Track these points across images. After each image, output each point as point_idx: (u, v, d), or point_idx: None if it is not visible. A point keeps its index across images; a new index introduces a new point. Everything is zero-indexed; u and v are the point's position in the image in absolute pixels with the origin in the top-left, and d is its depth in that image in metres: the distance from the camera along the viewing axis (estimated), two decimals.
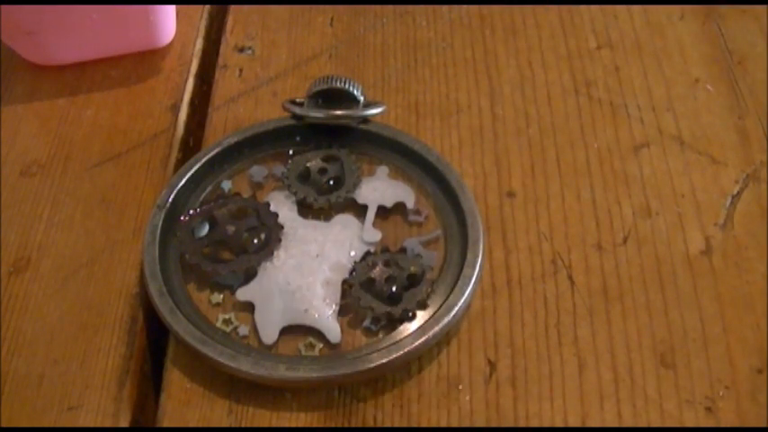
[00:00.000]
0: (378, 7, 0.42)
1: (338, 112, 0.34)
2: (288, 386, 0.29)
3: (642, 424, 0.28)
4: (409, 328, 0.30)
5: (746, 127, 0.36)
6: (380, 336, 0.30)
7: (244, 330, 0.30)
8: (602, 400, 0.29)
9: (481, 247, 0.31)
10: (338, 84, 0.34)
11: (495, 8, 0.41)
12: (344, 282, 0.31)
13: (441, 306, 0.30)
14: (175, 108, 0.38)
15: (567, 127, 0.37)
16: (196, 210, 0.33)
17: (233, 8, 0.42)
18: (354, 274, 0.31)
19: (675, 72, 0.39)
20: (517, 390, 0.29)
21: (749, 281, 0.32)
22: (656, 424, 0.28)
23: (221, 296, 0.31)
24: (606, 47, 0.40)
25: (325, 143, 0.35)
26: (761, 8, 0.41)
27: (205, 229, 0.33)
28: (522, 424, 0.28)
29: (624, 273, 0.32)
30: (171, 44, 0.40)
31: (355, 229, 0.33)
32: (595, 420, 0.28)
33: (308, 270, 0.31)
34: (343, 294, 0.31)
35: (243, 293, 0.31)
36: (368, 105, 0.35)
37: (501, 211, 0.34)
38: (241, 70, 0.39)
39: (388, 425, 0.29)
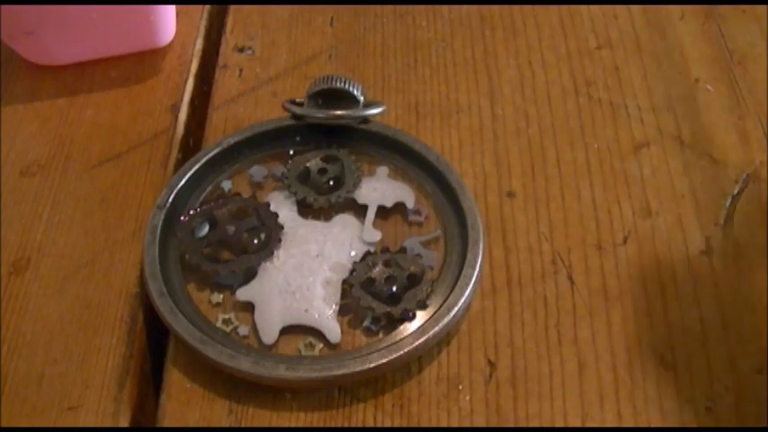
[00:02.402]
0: (378, 7, 0.42)
1: (338, 112, 0.34)
2: (288, 386, 0.29)
3: (642, 424, 0.28)
4: (409, 328, 0.30)
5: (746, 127, 0.36)
6: (380, 336, 0.30)
7: (244, 330, 0.30)
8: (602, 400, 0.29)
9: (481, 247, 0.31)
10: (338, 84, 0.34)
11: (495, 8, 0.41)
12: (344, 282, 0.31)
13: (441, 306, 0.30)
14: (175, 108, 0.38)
15: (567, 127, 0.37)
16: (196, 210, 0.33)
17: (233, 8, 0.42)
18: (354, 274, 0.31)
19: (675, 72, 0.39)
20: (517, 390, 0.29)
21: (749, 281, 0.32)
22: (656, 424, 0.28)
23: (221, 296, 0.31)
24: (606, 47, 0.40)
25: (325, 143, 0.35)
26: (761, 8, 0.41)
27: (205, 229, 0.33)
28: (522, 424, 0.28)
29: (624, 273, 0.32)
30: (171, 44, 0.40)
31: (355, 229, 0.33)
32: (595, 420, 0.28)
33: (308, 270, 0.31)
34: (343, 294, 0.31)
35: (243, 293, 0.31)
36: (368, 105, 0.35)
37: (501, 211, 0.34)
38: (241, 70, 0.39)
39: (388, 425, 0.29)
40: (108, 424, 0.28)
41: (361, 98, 0.34)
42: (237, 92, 0.39)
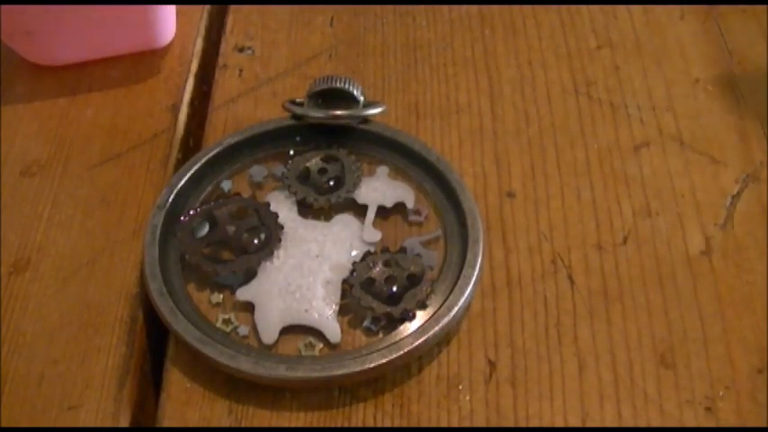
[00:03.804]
0: (378, 7, 0.42)
1: (338, 112, 0.34)
2: (288, 386, 0.29)
3: (642, 424, 0.28)
4: (409, 328, 0.30)
5: (746, 127, 0.36)
6: (380, 336, 0.30)
7: (244, 330, 0.30)
8: (602, 400, 0.29)
9: (481, 247, 0.31)
10: (338, 84, 0.34)
11: (495, 8, 0.41)
12: (344, 282, 0.31)
13: (441, 306, 0.30)
14: (175, 108, 0.38)
15: (566, 127, 0.37)
16: (196, 210, 0.33)
17: (233, 8, 0.42)
18: (354, 274, 0.31)
19: (675, 72, 0.39)
20: (517, 390, 0.29)
21: (749, 281, 0.32)
22: (656, 424, 0.28)
23: (221, 296, 0.31)
24: (606, 47, 0.40)
25: (325, 143, 0.35)
26: (761, 8, 0.41)
27: (205, 229, 0.33)
28: (522, 424, 0.28)
29: (624, 273, 0.32)
30: (171, 44, 0.40)
31: (355, 229, 0.33)
32: (595, 420, 0.28)
33: (307, 270, 0.31)
34: (343, 294, 0.31)
35: (243, 293, 0.31)
36: (368, 105, 0.35)
37: (501, 211, 0.34)
38: (241, 70, 0.39)
39: (388, 425, 0.29)
40: (108, 424, 0.28)
41: (361, 98, 0.34)
42: (237, 92, 0.39)
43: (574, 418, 0.29)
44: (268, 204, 0.33)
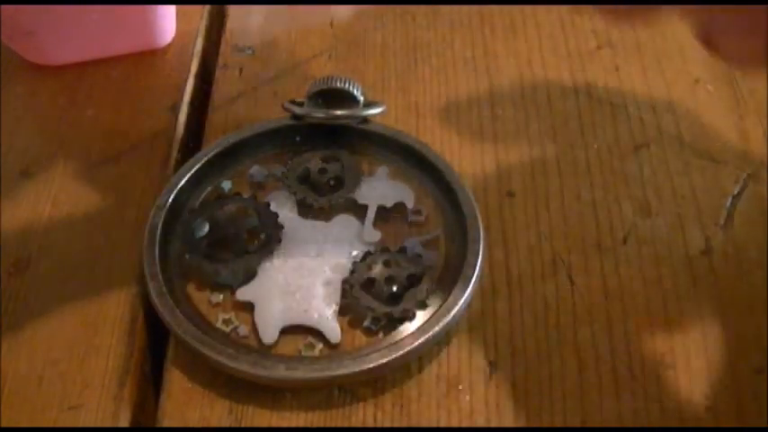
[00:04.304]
0: (378, 7, 0.42)
1: (338, 112, 0.34)
2: (288, 386, 0.29)
3: (642, 424, 0.28)
4: (409, 328, 0.30)
5: (746, 127, 0.36)
6: (380, 336, 0.30)
7: (244, 330, 0.30)
8: (602, 399, 0.29)
9: (481, 247, 0.31)
10: (338, 84, 0.34)
11: (495, 8, 0.41)
12: (344, 282, 0.31)
13: (441, 306, 0.30)
14: (175, 108, 0.38)
15: (566, 127, 0.37)
16: (196, 210, 0.33)
17: (233, 8, 0.42)
18: (354, 274, 0.31)
19: (675, 72, 0.39)
20: (517, 390, 0.29)
21: (749, 281, 0.32)
22: (656, 424, 0.28)
23: (221, 296, 0.31)
24: (606, 47, 0.40)
25: (325, 143, 0.35)
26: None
27: (205, 229, 0.33)
28: (522, 424, 0.28)
29: (624, 273, 0.32)
30: (171, 44, 0.40)
31: (355, 229, 0.33)
32: (595, 420, 0.28)
33: (307, 270, 0.31)
34: (343, 294, 0.31)
35: (243, 293, 0.31)
36: (368, 105, 0.35)
37: (501, 211, 0.34)
38: (241, 70, 0.39)
39: (388, 425, 0.29)
40: (108, 424, 0.28)
41: (361, 98, 0.34)
42: (237, 92, 0.39)
43: (574, 418, 0.29)
44: (268, 204, 0.33)
